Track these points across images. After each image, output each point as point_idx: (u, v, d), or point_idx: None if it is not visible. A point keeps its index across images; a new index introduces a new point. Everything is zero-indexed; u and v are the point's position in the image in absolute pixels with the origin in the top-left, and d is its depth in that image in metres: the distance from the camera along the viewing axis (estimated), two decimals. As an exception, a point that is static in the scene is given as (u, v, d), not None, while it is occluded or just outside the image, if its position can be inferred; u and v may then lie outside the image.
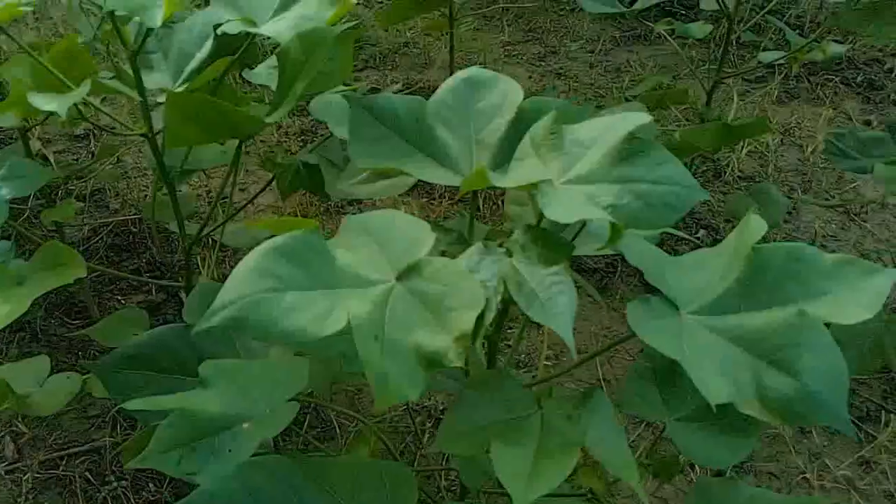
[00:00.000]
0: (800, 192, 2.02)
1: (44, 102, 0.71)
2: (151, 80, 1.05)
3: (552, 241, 0.60)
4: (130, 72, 0.94)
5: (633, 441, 1.47)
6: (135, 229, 1.90)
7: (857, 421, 1.53)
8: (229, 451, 0.61)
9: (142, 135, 0.93)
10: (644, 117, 0.64)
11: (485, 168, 0.61)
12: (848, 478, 1.44)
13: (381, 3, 2.70)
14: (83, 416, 1.50)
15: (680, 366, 0.78)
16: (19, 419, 1.47)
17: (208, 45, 1.04)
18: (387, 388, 0.49)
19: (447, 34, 1.95)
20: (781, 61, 1.70)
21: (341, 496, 0.60)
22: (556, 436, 0.56)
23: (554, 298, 0.54)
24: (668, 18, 1.64)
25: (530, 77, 2.38)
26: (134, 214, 1.95)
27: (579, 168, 0.63)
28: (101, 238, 1.88)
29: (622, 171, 0.62)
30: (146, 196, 2.00)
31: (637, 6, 1.79)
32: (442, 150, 0.78)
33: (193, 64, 1.04)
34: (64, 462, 1.43)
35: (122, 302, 1.75)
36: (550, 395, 0.60)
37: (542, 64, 2.43)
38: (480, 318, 0.52)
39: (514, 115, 0.78)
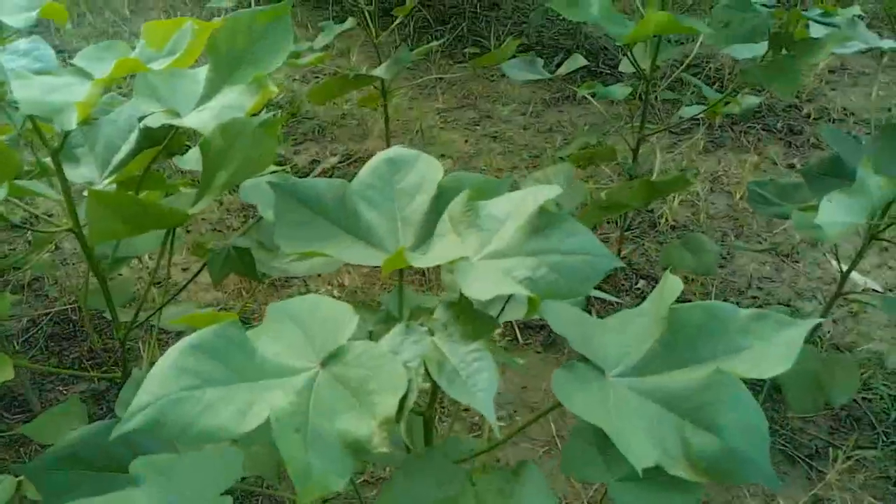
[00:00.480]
0: (732, 237, 2.09)
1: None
2: (78, 174, 1.04)
3: (474, 317, 0.61)
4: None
5: (587, 500, 1.47)
6: (74, 317, 1.86)
7: (806, 459, 1.56)
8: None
9: (68, 230, 0.93)
10: (554, 190, 0.66)
11: (404, 249, 0.62)
12: (802, 517, 1.46)
13: (318, 77, 2.75)
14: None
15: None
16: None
17: (134, 136, 1.05)
18: (310, 481, 0.49)
19: (383, 106, 1.99)
20: (702, 115, 1.77)
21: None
22: (488, 511, 0.56)
23: (474, 376, 0.54)
24: (590, 81, 1.70)
25: (466, 141, 2.43)
26: (73, 302, 1.92)
27: (495, 243, 0.65)
28: (40, 328, 1.84)
29: (536, 244, 0.64)
30: (78, 287, 1.97)
31: (561, 71, 1.86)
32: (367, 229, 0.80)
33: (120, 156, 1.05)
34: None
35: (64, 392, 1.70)
36: (484, 470, 0.61)
37: (478, 128, 2.49)
38: (403, 400, 0.53)
39: (436, 192, 0.80)
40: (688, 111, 1.77)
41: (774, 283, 1.95)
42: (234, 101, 0.92)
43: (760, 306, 1.85)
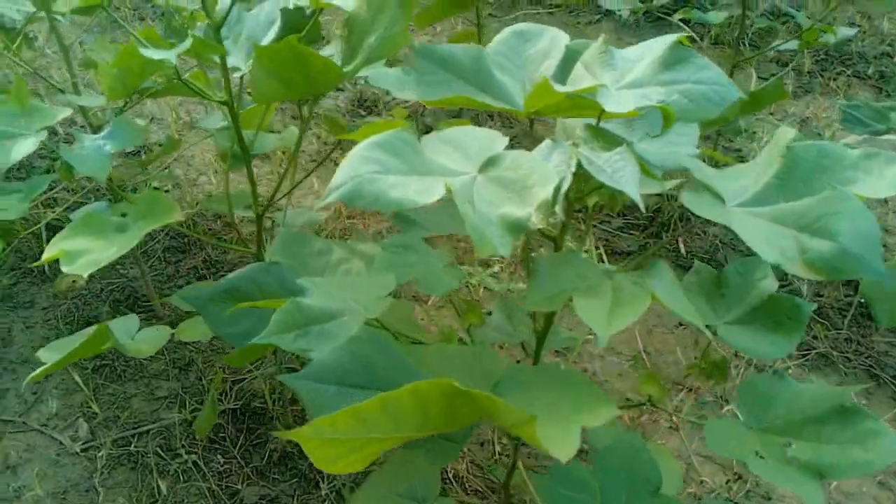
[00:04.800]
0: (820, 175, 2.10)
1: (156, 54, 0.82)
2: (183, 41, 1.16)
3: (609, 136, 0.69)
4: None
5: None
6: (188, 233, 2.01)
7: (892, 379, 1.60)
8: (336, 335, 0.70)
9: (222, 102, 1.04)
10: (681, 35, 0.73)
11: (548, 79, 0.70)
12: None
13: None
14: (151, 397, 1.59)
15: (723, 277, 0.86)
16: (92, 400, 1.57)
17: (275, 28, 1.16)
18: (484, 241, 0.58)
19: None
20: (794, 51, 1.79)
21: (437, 368, 0.68)
22: (627, 292, 0.64)
23: (619, 171, 0.63)
24: (685, 7, 1.74)
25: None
26: (192, 216, 2.06)
27: (630, 77, 0.73)
28: (157, 241, 1.99)
29: (668, 75, 0.71)
30: (197, 204, 2.11)
31: (656, 1, 1.90)
32: (500, 88, 0.88)
33: (264, 43, 1.16)
34: (135, 439, 1.51)
35: (181, 297, 1.85)
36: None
37: (565, 71, 2.54)
38: (557, 189, 0.61)
39: (563, 55, 0.88)
40: (783, 44, 1.79)
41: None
42: (373, -15, 1.02)
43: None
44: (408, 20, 0.99)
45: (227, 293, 0.94)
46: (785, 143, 0.76)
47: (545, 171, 0.63)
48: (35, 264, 1.69)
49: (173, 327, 1.15)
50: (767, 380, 0.84)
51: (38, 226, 1.79)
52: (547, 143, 0.68)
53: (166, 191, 2.15)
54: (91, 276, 1.84)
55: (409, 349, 0.71)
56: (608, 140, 0.68)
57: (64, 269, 0.85)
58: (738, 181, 0.77)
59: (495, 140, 0.69)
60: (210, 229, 2.02)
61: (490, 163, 0.67)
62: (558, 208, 0.61)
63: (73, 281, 1.47)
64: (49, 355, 1.08)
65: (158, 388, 1.61)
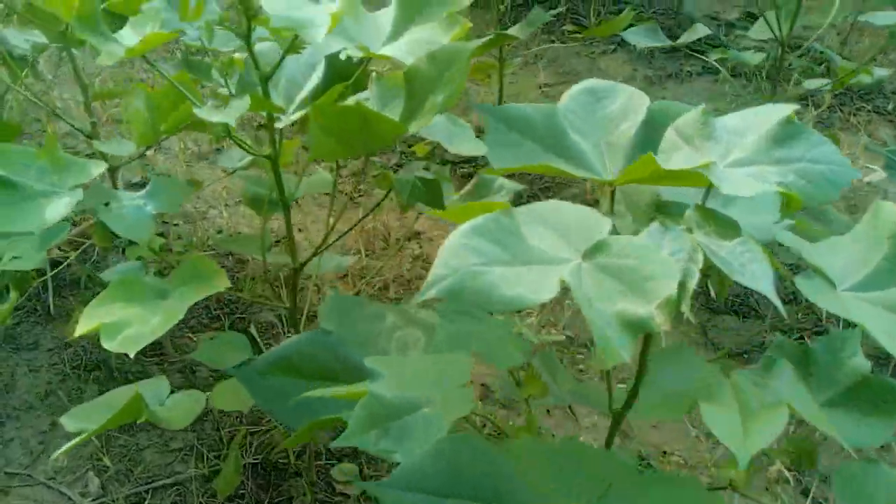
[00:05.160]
0: (847, 216, 2.07)
1: (210, 115, 0.76)
2: (239, 99, 1.10)
3: (721, 219, 0.64)
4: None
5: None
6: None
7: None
8: (420, 432, 0.63)
9: (266, 156, 0.98)
10: (791, 107, 0.68)
11: (652, 155, 0.65)
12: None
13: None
14: (165, 449, 1.51)
15: (811, 354, 0.81)
16: (103, 452, 1.49)
17: (318, 73, 1.10)
18: (608, 348, 0.52)
19: (489, 78, 2.02)
20: (824, 88, 1.76)
21: (533, 472, 0.62)
22: (753, 398, 0.58)
23: (748, 265, 0.57)
24: (721, 47, 1.71)
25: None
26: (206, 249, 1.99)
27: (737, 153, 0.67)
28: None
29: (781, 153, 0.66)
30: (208, 239, 2.04)
31: (682, 40, 1.86)
32: (576, 152, 0.82)
33: (304, 92, 1.10)
34: (150, 496, 1.43)
35: (194, 339, 1.77)
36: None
37: (581, 103, 2.50)
38: (682, 286, 0.56)
39: (645, 118, 0.83)
40: (813, 83, 1.76)
41: None
42: (431, 35, 0.97)
43: None
44: (465, 72, 0.94)
45: (276, 365, 0.88)
46: (891, 223, 0.71)
47: (665, 262, 0.58)
48: (71, 338, 1.61)
49: (192, 373, 1.09)
50: (864, 468, 0.79)
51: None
52: (655, 227, 0.63)
53: (175, 224, 2.07)
54: (99, 317, 1.76)
55: (499, 448, 0.65)
56: (721, 224, 0.63)
57: (106, 345, 0.79)
58: (840, 257, 0.72)
59: (597, 221, 0.64)
60: (222, 266, 1.94)
61: (596, 249, 0.62)
62: (685, 307, 0.55)
63: (86, 327, 1.40)
64: (73, 424, 1.01)
65: (173, 439, 1.53)
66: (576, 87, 0.89)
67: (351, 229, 1.14)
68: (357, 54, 0.96)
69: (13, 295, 1.17)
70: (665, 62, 2.66)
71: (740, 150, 0.67)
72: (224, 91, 1.05)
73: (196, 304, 1.85)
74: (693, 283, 0.56)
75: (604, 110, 0.87)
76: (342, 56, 0.97)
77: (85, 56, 2.39)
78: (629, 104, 0.86)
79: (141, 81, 2.48)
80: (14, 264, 1.14)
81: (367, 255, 1.95)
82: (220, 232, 2.06)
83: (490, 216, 0.61)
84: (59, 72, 2.56)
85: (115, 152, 1.12)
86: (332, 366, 0.87)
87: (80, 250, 1.81)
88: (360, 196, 2.17)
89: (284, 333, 1.71)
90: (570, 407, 1.09)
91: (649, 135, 0.82)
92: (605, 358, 0.51)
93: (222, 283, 0.85)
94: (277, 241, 1.99)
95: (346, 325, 0.94)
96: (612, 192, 0.82)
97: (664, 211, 0.75)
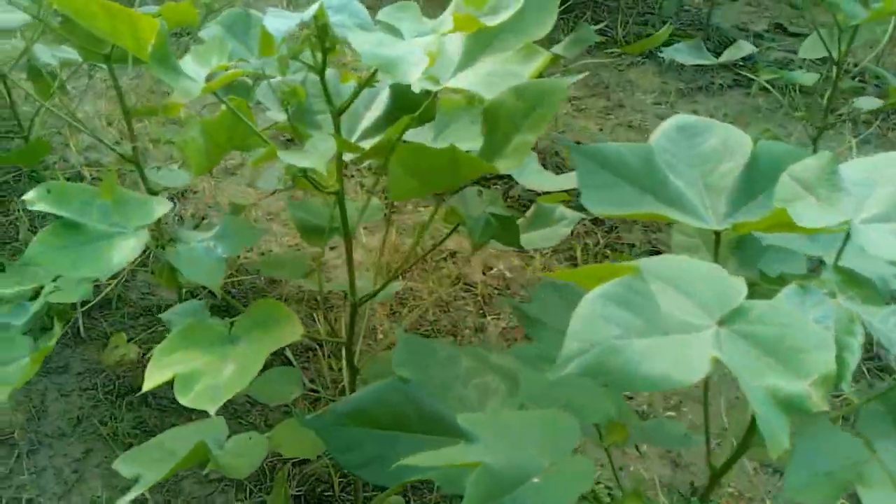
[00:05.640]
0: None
1: (297, 160, 0.71)
2: (320, 139, 1.05)
3: (863, 281, 0.60)
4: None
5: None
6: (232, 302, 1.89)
7: None
8: (536, 507, 0.59)
9: (334, 192, 0.93)
10: (923, 158, 0.64)
11: (785, 210, 0.61)
12: None
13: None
14: (204, 479, 1.47)
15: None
16: (142, 485, 1.44)
17: (380, 103, 1.05)
18: (773, 437, 0.48)
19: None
20: (876, 107, 1.71)
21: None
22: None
23: (906, 337, 0.53)
24: (772, 67, 1.66)
25: (601, 129, 2.40)
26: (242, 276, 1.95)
27: (873, 207, 0.63)
28: (200, 298, 1.88)
29: (920, 208, 0.62)
30: (238, 256, 1.99)
31: (726, 58, 1.82)
32: (675, 194, 0.78)
33: (365, 123, 1.05)
34: (189, 530, 1.39)
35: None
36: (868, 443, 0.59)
37: (611, 117, 2.46)
38: (843, 361, 0.51)
39: (749, 159, 0.78)
40: (865, 103, 1.72)
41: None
42: (509, 67, 0.92)
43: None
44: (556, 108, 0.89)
45: (352, 417, 0.83)
46: None
47: (815, 333, 0.53)
48: (139, 393, 1.56)
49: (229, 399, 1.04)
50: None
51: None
52: (793, 290, 0.58)
53: (204, 242, 2.03)
54: (131, 339, 1.72)
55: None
56: (862, 286, 0.58)
57: (181, 400, 0.74)
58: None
59: (731, 283, 0.59)
60: (253, 286, 1.90)
61: (734, 315, 0.57)
62: (845, 385, 0.51)
63: (123, 354, 1.35)
64: (129, 469, 0.97)
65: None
66: (666, 124, 0.85)
67: (412, 266, 1.10)
68: (429, 86, 0.91)
69: (57, 328, 1.12)
70: (695, 74, 2.62)
71: (874, 204, 0.63)
72: (280, 117, 1.01)
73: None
74: (856, 360, 0.52)
75: (699, 148, 0.82)
76: (416, 88, 0.92)
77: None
78: (727, 142, 0.81)
79: (165, 94, 2.44)
80: (57, 296, 1.10)
81: (402, 276, 1.90)
82: (249, 249, 2.01)
83: (621, 281, 0.56)
84: (79, 83, 2.52)
85: (170, 184, 1.08)
86: (407, 414, 0.82)
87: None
88: (392, 212, 2.12)
89: (325, 357, 1.66)
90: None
91: (753, 177, 0.78)
92: (771, 448, 0.47)
93: (295, 332, 0.81)
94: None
95: (419, 368, 0.89)
96: (718, 239, 0.77)
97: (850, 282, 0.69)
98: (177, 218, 2.06)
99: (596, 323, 0.53)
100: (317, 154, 0.74)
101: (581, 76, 0.87)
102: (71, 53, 1.72)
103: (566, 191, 1.12)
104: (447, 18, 0.76)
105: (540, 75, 1.96)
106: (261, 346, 0.79)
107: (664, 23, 2.92)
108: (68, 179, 2.16)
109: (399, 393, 0.84)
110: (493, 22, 0.75)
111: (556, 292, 1.04)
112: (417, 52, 0.69)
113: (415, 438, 0.82)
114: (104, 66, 1.29)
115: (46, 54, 1.76)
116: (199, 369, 0.78)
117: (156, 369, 0.78)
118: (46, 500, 1.45)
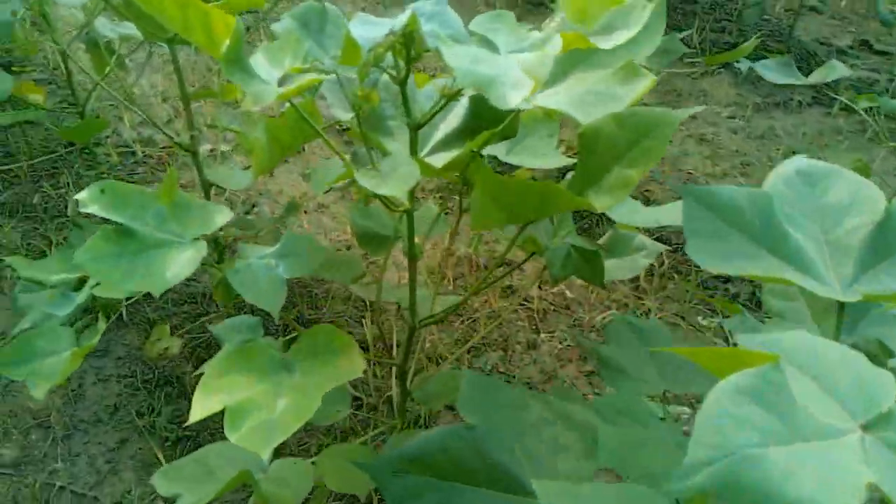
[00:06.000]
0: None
1: (377, 186, 0.64)
2: (391, 148, 0.98)
3: None
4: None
5: None
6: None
7: None
8: None
9: (405, 211, 0.86)
10: None
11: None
12: None
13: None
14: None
15: None
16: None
17: (457, 115, 0.97)
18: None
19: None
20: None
21: None
22: None
23: None
24: (870, 94, 1.54)
25: (671, 141, 2.29)
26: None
27: None
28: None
29: None
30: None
31: (816, 79, 1.70)
32: (793, 249, 0.69)
33: (440, 134, 0.97)
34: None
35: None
36: None
37: (682, 128, 2.34)
38: None
39: (882, 217, 0.69)
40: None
41: None
42: (606, 88, 0.83)
43: None
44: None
45: (413, 463, 0.76)
46: None
47: None
48: (186, 426, 1.51)
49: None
50: None
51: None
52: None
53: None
54: (174, 328, 1.67)
55: None
56: None
57: (231, 438, 0.68)
58: None
59: (881, 381, 0.50)
60: (299, 281, 1.84)
61: (881, 420, 0.48)
62: None
63: (166, 348, 1.30)
64: (166, 487, 0.91)
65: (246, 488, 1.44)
66: (785, 167, 0.75)
67: (477, 291, 1.02)
68: (520, 104, 0.83)
69: (101, 323, 1.07)
70: (773, 88, 2.48)
71: None
72: (343, 115, 0.94)
73: (268, 323, 1.77)
74: None
75: (822, 198, 0.73)
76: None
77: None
78: (855, 195, 0.72)
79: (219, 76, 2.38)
80: (101, 290, 1.05)
81: (455, 283, 1.83)
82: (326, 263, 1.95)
83: (757, 373, 0.48)
84: (136, 55, 2.48)
85: (231, 186, 1.01)
86: (472, 463, 0.75)
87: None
88: (446, 213, 2.05)
89: (371, 364, 1.60)
90: None
91: (886, 236, 0.69)
92: None
93: (356, 368, 0.74)
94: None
95: (484, 412, 0.82)
96: (842, 311, 0.68)
97: None
98: (226, 202, 2.01)
99: (727, 425, 0.45)
100: (397, 180, 0.66)
101: (698, 109, 0.78)
102: (131, 29, 1.67)
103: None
104: (555, 38, 0.67)
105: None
106: (319, 381, 0.73)
107: (741, 31, 2.78)
108: (120, 155, 2.13)
109: (464, 440, 0.77)
110: (608, 45, 0.67)
111: (632, 332, 0.96)
112: (517, 72, 0.61)
113: (481, 494, 0.75)
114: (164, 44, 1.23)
115: (107, 28, 1.72)
116: (252, 399, 0.71)
117: (204, 396, 0.72)
118: (78, 488, 1.41)
